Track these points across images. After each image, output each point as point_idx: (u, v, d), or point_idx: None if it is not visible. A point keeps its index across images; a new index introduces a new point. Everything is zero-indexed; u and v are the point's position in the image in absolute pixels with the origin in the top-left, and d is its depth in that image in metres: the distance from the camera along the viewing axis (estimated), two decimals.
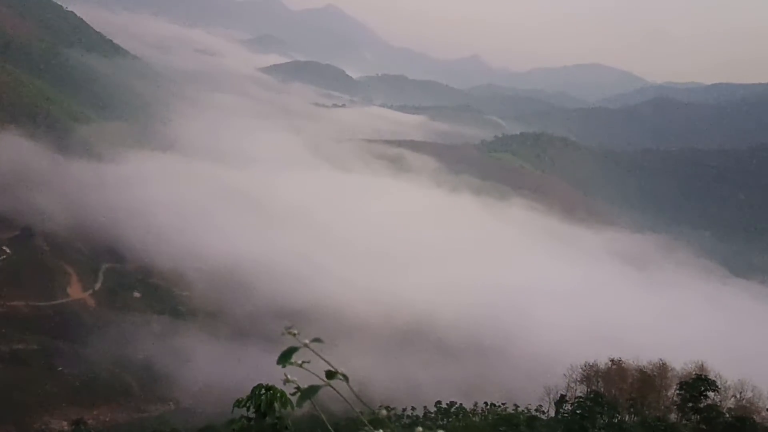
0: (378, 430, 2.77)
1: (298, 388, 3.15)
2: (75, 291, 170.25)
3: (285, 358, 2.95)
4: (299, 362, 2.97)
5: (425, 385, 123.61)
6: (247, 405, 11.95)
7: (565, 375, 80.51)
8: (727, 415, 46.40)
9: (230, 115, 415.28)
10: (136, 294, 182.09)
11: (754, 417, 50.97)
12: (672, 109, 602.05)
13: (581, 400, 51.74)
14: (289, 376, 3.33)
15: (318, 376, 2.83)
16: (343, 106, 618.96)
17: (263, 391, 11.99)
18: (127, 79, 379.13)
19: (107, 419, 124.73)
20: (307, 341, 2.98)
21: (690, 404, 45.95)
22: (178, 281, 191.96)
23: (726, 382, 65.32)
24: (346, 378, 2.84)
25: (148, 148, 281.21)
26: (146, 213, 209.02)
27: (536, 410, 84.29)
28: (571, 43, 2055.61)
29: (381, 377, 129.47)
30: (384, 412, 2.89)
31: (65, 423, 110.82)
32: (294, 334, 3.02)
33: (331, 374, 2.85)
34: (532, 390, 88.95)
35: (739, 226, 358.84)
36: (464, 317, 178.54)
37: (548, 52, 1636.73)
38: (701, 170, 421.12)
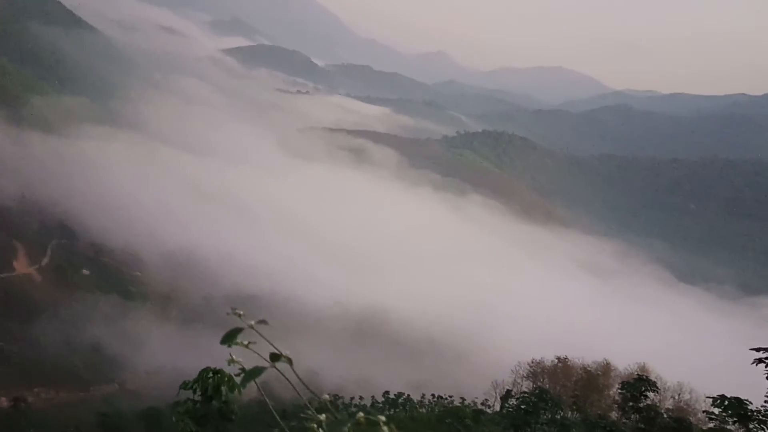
0: (321, 415, 2.78)
1: (242, 369, 3.13)
2: (21, 265, 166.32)
3: (229, 338, 2.92)
4: (245, 342, 2.93)
5: (378, 378, 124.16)
6: (194, 388, 12.01)
7: (512, 371, 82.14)
8: (666, 416, 47.84)
9: (191, 99, 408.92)
10: (85, 272, 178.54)
11: (691, 418, 52.75)
12: (630, 117, 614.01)
13: (526, 395, 52.81)
14: (234, 357, 3.27)
15: (266, 359, 2.82)
16: (307, 93, 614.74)
17: (211, 374, 12.06)
18: (88, 55, 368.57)
19: (49, 397, 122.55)
20: (252, 322, 2.94)
21: (630, 403, 47.20)
22: (130, 261, 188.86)
23: (666, 383, 67.66)
24: (289, 361, 2.83)
25: (105, 126, 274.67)
26: (101, 190, 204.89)
27: (482, 404, 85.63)
28: (537, 45, 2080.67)
29: (334, 369, 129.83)
30: (326, 397, 2.88)
31: (5, 399, 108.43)
32: (239, 315, 2.99)
33: (275, 356, 2.83)
34: (482, 387, 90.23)
35: (689, 235, 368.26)
36: (423, 318, 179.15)
37: (514, 52, 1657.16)
38: (655, 179, 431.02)
